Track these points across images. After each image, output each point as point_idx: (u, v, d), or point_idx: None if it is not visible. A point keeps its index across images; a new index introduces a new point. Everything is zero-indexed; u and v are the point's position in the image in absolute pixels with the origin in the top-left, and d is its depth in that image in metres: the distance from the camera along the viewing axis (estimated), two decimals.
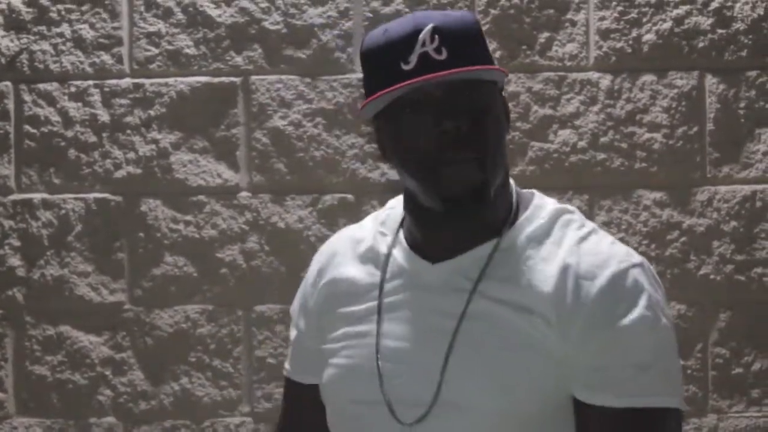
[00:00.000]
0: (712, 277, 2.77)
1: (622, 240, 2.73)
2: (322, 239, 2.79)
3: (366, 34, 1.47)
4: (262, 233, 2.79)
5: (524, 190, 1.53)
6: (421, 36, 1.38)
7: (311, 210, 2.79)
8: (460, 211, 1.40)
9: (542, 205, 1.48)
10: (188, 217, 2.80)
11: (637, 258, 1.42)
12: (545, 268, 1.40)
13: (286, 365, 1.67)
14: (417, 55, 1.37)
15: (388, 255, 1.51)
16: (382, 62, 1.40)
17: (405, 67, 1.37)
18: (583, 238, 1.43)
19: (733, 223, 2.77)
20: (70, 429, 2.80)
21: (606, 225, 2.76)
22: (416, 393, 1.41)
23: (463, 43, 1.39)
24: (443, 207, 1.40)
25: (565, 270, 1.39)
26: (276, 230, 2.79)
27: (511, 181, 1.51)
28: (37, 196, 2.82)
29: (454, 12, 1.44)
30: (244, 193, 2.80)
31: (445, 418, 1.39)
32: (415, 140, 1.39)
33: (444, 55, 1.37)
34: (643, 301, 1.36)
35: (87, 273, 2.80)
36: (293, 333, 1.65)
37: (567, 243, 1.42)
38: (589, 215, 2.75)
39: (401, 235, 1.52)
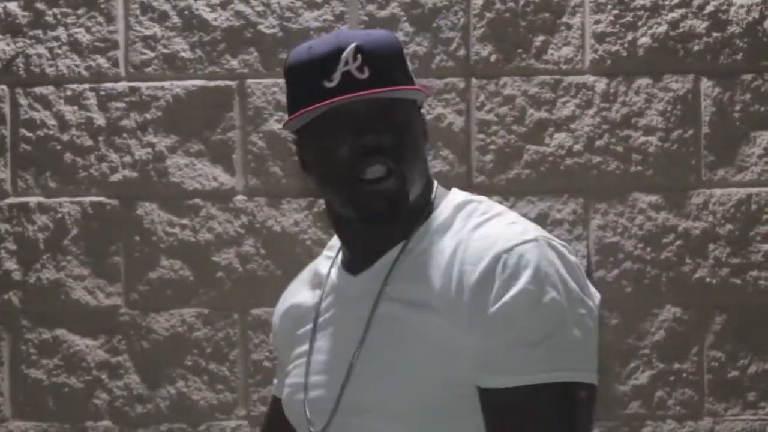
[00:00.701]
0: (707, 280, 2.77)
1: (617, 243, 2.75)
2: (318, 243, 2.80)
3: (290, 50, 1.49)
4: (258, 237, 2.79)
5: (447, 190, 1.53)
6: (344, 54, 1.41)
7: (307, 213, 2.79)
8: (377, 222, 1.44)
9: (452, 200, 1.49)
10: (184, 221, 2.80)
11: (531, 234, 1.37)
12: (440, 260, 1.41)
13: (274, 381, 1.75)
14: (340, 73, 1.41)
15: (327, 275, 1.57)
16: (306, 79, 1.43)
17: (328, 85, 1.41)
18: (480, 225, 1.42)
19: (729, 226, 2.78)
20: None
21: (602, 228, 2.76)
22: (325, 401, 1.45)
23: (385, 62, 1.43)
24: (362, 220, 1.44)
25: (452, 260, 1.39)
26: (272, 234, 2.79)
27: (435, 182, 1.53)
28: (33, 200, 2.82)
29: (377, 31, 1.48)
30: (240, 197, 2.80)
31: (346, 423, 1.42)
32: (336, 154, 1.42)
33: (366, 74, 1.41)
34: (525, 277, 1.33)
35: (83, 276, 2.80)
36: (275, 353, 1.73)
37: (463, 232, 1.42)
38: (585, 218, 2.76)
39: (340, 254, 1.56)
